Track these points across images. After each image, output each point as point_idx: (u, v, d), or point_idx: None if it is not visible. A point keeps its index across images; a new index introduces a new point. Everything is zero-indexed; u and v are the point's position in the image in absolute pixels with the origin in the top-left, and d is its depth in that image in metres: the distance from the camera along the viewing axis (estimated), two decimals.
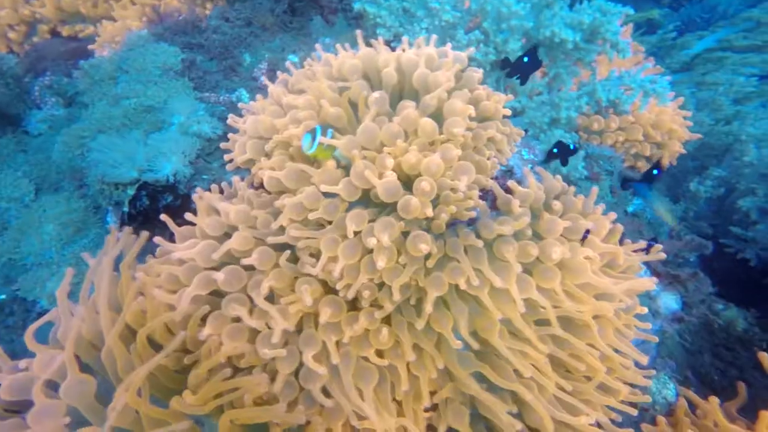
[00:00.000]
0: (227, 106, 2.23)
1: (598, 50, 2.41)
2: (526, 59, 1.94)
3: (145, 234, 1.58)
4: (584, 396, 1.45)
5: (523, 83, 2.22)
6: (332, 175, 1.48)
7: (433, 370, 1.39)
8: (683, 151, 2.81)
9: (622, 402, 1.47)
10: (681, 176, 3.37)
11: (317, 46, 2.04)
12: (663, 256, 1.62)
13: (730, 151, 3.21)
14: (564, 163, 1.53)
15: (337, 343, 1.41)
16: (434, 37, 1.82)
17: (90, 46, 2.63)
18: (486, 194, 1.63)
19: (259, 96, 1.85)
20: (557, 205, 1.49)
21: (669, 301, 2.06)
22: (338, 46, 1.88)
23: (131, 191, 1.77)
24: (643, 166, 2.86)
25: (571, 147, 1.53)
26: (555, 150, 1.52)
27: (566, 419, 1.39)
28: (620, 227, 1.64)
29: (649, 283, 1.52)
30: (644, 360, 1.48)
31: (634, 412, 1.48)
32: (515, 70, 2.02)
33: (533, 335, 1.37)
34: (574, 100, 2.47)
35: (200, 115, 2.11)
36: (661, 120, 2.73)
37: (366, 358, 1.40)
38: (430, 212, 1.41)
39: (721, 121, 3.52)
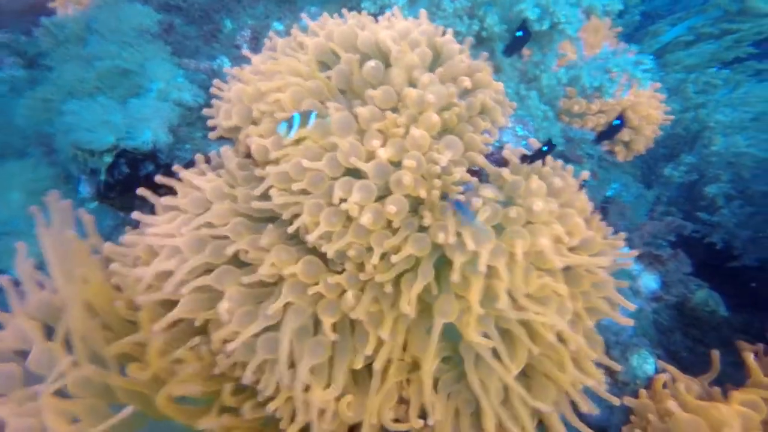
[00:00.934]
0: (208, 74, 2.11)
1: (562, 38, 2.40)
2: (520, 33, 1.94)
3: (68, 202, 1.47)
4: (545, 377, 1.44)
5: (508, 54, 2.23)
6: (314, 150, 1.43)
7: (396, 338, 1.36)
8: (659, 133, 2.88)
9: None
10: (653, 162, 3.47)
11: (303, 15, 1.95)
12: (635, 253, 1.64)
13: (699, 138, 3.31)
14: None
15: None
16: (396, 8, 1.79)
17: (51, 4, 2.43)
18: (481, 170, 1.61)
19: (244, 65, 1.76)
20: (546, 169, 1.51)
21: (649, 281, 2.12)
22: (325, 15, 1.81)
23: (108, 158, 1.65)
24: (621, 150, 2.92)
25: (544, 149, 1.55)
26: (545, 148, 1.54)
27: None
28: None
29: (605, 261, 1.47)
30: (592, 353, 1.46)
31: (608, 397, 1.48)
32: (513, 47, 2.00)
33: (474, 324, 1.33)
34: (553, 73, 2.47)
35: (180, 82, 1.99)
36: (639, 104, 2.78)
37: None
38: (423, 193, 1.39)
39: (690, 109, 3.63)
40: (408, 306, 1.30)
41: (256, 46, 2.23)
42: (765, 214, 2.80)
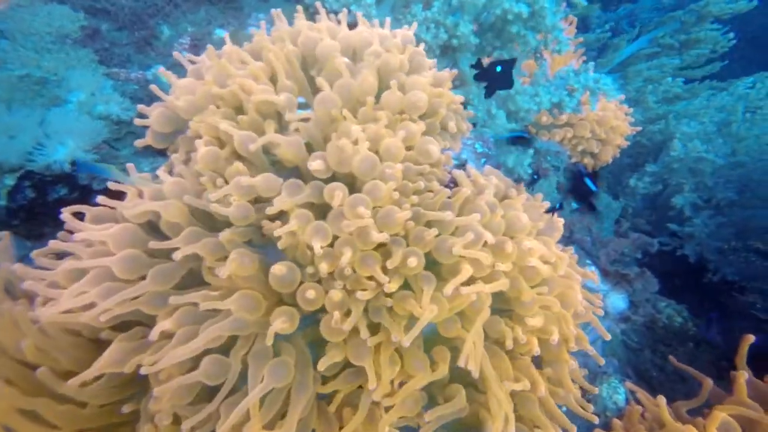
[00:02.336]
0: (141, 85, 1.92)
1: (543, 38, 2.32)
2: (498, 68, 1.81)
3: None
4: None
5: (487, 96, 2.09)
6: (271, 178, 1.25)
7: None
8: (626, 143, 2.83)
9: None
10: (618, 172, 3.41)
11: (262, 24, 1.79)
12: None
13: (665, 148, 3.27)
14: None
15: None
16: (387, 20, 1.65)
17: None
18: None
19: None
20: (513, 192, 1.50)
21: (617, 301, 2.03)
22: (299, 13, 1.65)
23: (10, 180, 1.44)
24: (590, 162, 2.85)
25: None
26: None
27: None
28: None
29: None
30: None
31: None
32: (483, 75, 1.87)
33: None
34: (531, 94, 2.38)
35: (107, 93, 1.79)
36: (605, 117, 2.72)
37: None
38: (396, 195, 1.26)
39: (655, 120, 3.59)
40: (427, 311, 1.14)
41: (196, 54, 2.05)
42: (735, 223, 2.74)
